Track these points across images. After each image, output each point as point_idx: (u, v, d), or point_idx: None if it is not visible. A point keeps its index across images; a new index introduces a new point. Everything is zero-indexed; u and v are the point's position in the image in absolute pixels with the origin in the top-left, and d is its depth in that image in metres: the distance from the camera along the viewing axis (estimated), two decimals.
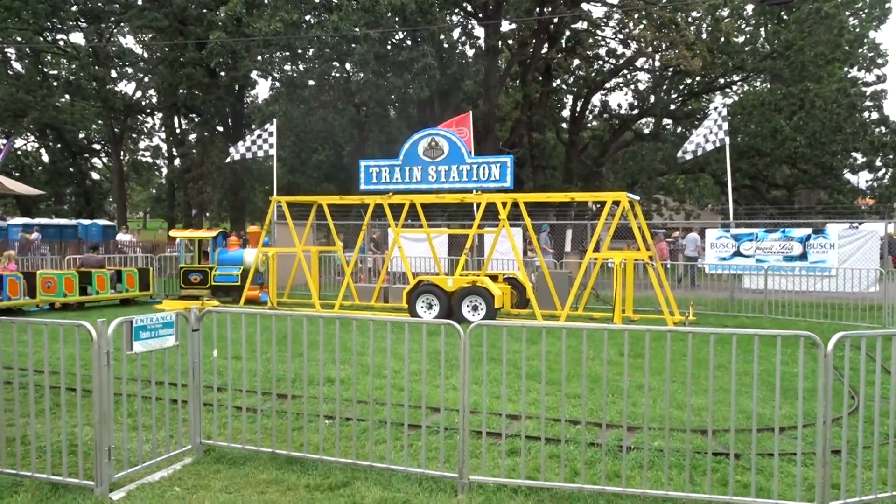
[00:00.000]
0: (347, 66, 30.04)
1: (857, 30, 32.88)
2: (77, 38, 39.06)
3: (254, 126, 27.33)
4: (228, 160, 21.65)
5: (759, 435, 5.96)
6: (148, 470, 4.95)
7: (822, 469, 4.43)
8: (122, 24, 38.25)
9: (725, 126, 17.69)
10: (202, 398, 5.40)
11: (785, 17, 30.98)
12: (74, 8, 33.74)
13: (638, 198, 14.51)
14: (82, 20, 35.98)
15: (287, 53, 29.55)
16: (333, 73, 30.91)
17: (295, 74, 30.98)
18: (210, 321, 5.43)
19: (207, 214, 48.03)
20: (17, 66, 41.60)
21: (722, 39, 28.86)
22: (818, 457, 4.45)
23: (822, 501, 4.40)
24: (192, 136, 42.75)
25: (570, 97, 36.47)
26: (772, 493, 4.63)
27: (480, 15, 29.44)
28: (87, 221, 38.97)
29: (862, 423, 5.28)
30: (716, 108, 18.20)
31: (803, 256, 15.80)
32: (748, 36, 32.94)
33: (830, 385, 4.41)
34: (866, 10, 34.88)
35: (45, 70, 41.54)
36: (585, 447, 5.31)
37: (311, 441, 5.51)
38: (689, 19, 28.84)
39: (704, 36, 28.38)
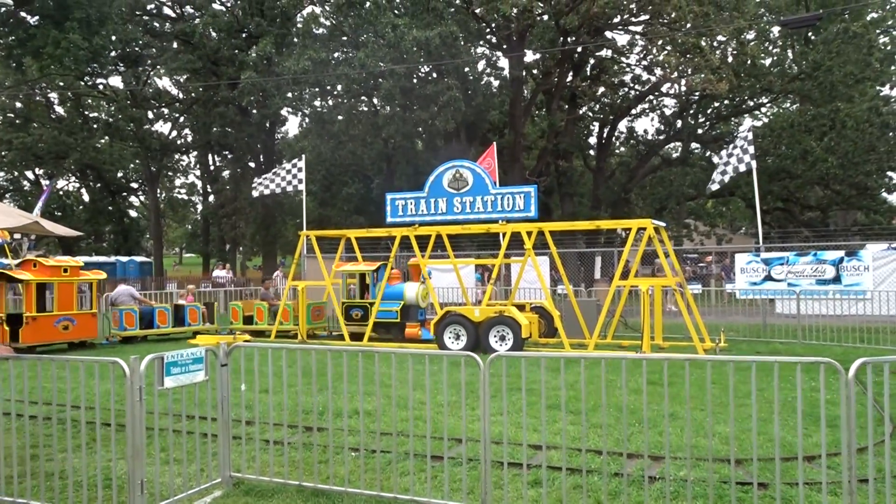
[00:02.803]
0: (375, 100, 30.65)
1: (888, 48, 32.49)
2: (115, 81, 40.61)
3: (284, 161, 27.96)
4: (255, 194, 22.07)
5: (787, 464, 5.89)
6: (179, 503, 5.09)
7: (849, 497, 4.37)
8: (158, 66, 39.66)
9: (752, 150, 17.59)
10: (231, 431, 5.55)
11: (812, 37, 30.81)
12: (113, 53, 35.12)
13: (664, 224, 14.46)
14: (120, 64, 37.42)
15: (316, 90, 30.29)
16: (361, 108, 31.56)
17: (324, 110, 31.69)
18: (238, 356, 5.60)
19: (241, 249, 48.96)
20: (59, 109, 43.37)
21: (748, 62, 28.79)
22: (844, 485, 4.40)
23: None
24: (226, 173, 43.86)
25: (596, 124, 36.61)
26: None
27: (504, 46, 29.89)
28: (124, 258, 40.04)
29: (888, 451, 5.17)
30: (742, 134, 18.14)
31: (837, 279, 15.53)
32: (775, 58, 32.80)
33: (854, 412, 4.36)
34: None
35: (86, 113, 43.18)
36: (609, 477, 5.31)
37: (337, 473, 5.60)
38: (714, 43, 28.86)
39: (730, 59, 28.35)
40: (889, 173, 31.21)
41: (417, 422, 6.91)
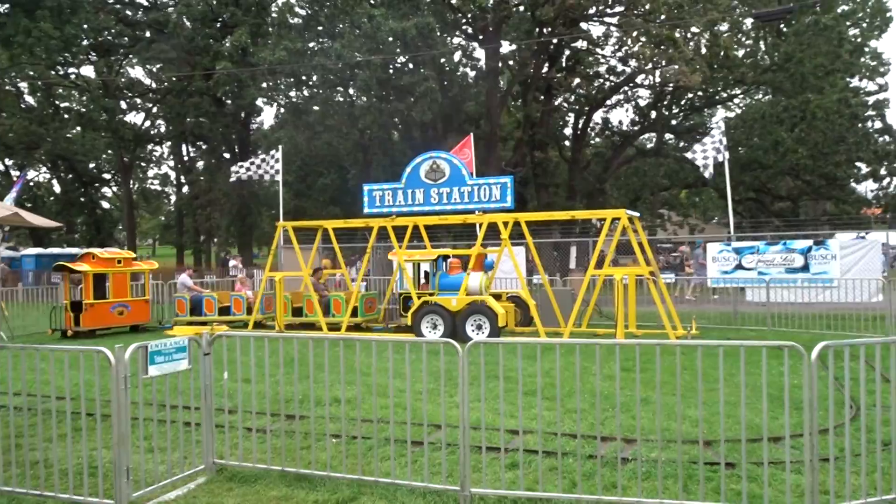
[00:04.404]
0: (351, 91, 30.57)
1: (858, 40, 33.07)
2: (88, 71, 39.93)
3: (260, 152, 27.86)
4: (232, 179, 21.91)
5: (755, 444, 6.12)
6: (164, 489, 5.17)
7: (810, 475, 4.59)
8: (131, 56, 39.08)
9: (724, 140, 17.97)
10: (214, 420, 5.63)
11: (784, 29, 31.28)
12: (85, 42, 34.53)
13: (638, 214, 14.70)
14: (93, 54, 36.78)
15: (291, 81, 30.12)
16: (337, 99, 31.46)
17: (300, 101, 31.52)
18: (220, 345, 5.68)
19: (216, 240, 48.57)
20: (29, 99, 42.57)
21: (721, 54, 29.17)
22: (807, 464, 4.61)
23: None
24: (200, 164, 43.46)
25: (571, 115, 36.87)
26: (763, 499, 4.78)
27: (481, 37, 29.95)
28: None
29: (848, 431, 5.42)
30: (717, 125, 18.53)
31: (805, 268, 15.93)
32: (748, 49, 33.27)
33: (815, 393, 4.58)
34: (867, 20, 35.08)
35: (57, 103, 42.42)
36: (583, 459, 5.49)
37: (319, 459, 5.71)
38: (688, 35, 29.18)
39: (703, 51, 28.70)
40: (858, 164, 31.89)
41: (397, 409, 7.04)
